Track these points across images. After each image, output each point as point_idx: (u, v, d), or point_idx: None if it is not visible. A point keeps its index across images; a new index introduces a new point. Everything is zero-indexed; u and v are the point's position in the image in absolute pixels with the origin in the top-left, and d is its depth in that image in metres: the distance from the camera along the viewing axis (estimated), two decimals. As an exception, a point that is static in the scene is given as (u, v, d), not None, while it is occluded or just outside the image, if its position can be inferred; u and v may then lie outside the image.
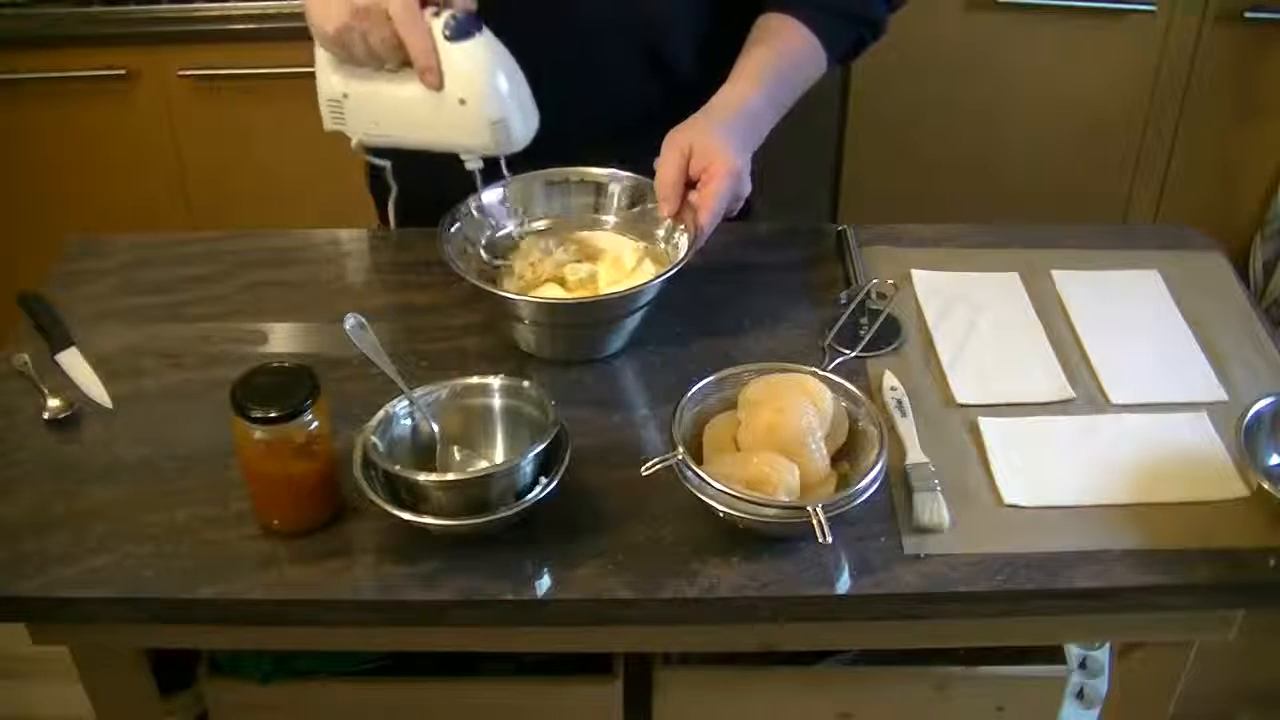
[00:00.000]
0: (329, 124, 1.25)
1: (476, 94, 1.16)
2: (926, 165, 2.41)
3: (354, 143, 1.25)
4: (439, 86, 1.15)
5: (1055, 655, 1.31)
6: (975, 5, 2.24)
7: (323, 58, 1.21)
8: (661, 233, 1.27)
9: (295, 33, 2.12)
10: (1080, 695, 1.49)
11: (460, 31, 1.13)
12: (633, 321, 1.22)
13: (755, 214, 1.50)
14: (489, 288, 1.19)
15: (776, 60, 1.31)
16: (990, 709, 1.31)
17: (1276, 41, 2.25)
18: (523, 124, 1.20)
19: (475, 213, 1.27)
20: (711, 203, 1.19)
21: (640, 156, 1.25)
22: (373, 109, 1.21)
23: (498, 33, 1.17)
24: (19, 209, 2.32)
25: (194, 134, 2.27)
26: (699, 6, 1.36)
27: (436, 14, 1.13)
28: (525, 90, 1.20)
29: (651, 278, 1.19)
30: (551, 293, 1.23)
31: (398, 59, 1.15)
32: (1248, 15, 2.21)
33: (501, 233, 1.29)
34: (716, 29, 1.36)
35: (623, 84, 1.36)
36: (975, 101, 2.34)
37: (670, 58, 1.36)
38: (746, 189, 1.22)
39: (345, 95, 1.21)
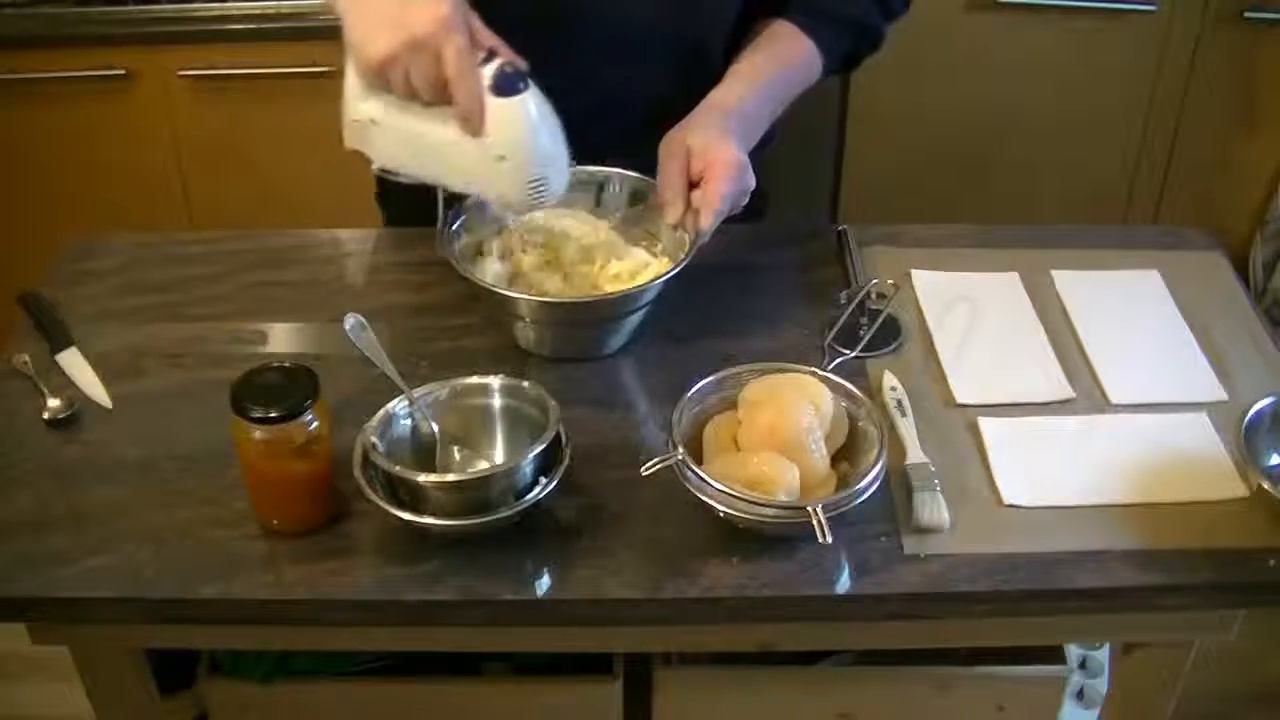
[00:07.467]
0: (350, 143, 1.20)
1: (516, 153, 1.11)
2: (926, 165, 2.41)
3: (375, 166, 1.20)
4: (478, 134, 1.10)
5: (1055, 655, 1.32)
6: (975, 5, 2.24)
7: (354, 78, 1.15)
8: (663, 230, 1.27)
9: (295, 33, 2.16)
10: (1080, 695, 1.49)
11: (506, 86, 1.08)
12: (634, 320, 1.22)
13: (767, 215, 1.50)
14: (489, 285, 1.19)
15: (771, 65, 1.31)
16: (990, 709, 1.31)
17: (1276, 41, 2.25)
18: (558, 182, 1.16)
19: (475, 210, 1.27)
20: (715, 200, 1.18)
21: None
22: (402, 143, 1.16)
23: (540, 42, 1.12)
24: (19, 209, 2.32)
25: (194, 134, 2.27)
26: (737, 14, 1.35)
27: (484, 62, 1.08)
28: (563, 147, 1.15)
29: (654, 277, 1.19)
30: (553, 280, 1.23)
31: (435, 99, 1.09)
32: (1248, 15, 2.21)
33: (503, 230, 1.28)
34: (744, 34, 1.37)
35: (660, 87, 1.35)
36: (975, 101, 2.34)
37: (711, 64, 1.35)
38: (751, 182, 1.22)
39: (374, 121, 1.16)
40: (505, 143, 1.10)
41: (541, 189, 1.14)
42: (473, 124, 1.09)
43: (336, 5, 1.10)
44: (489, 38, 1.10)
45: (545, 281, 1.24)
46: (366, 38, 1.07)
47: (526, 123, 1.10)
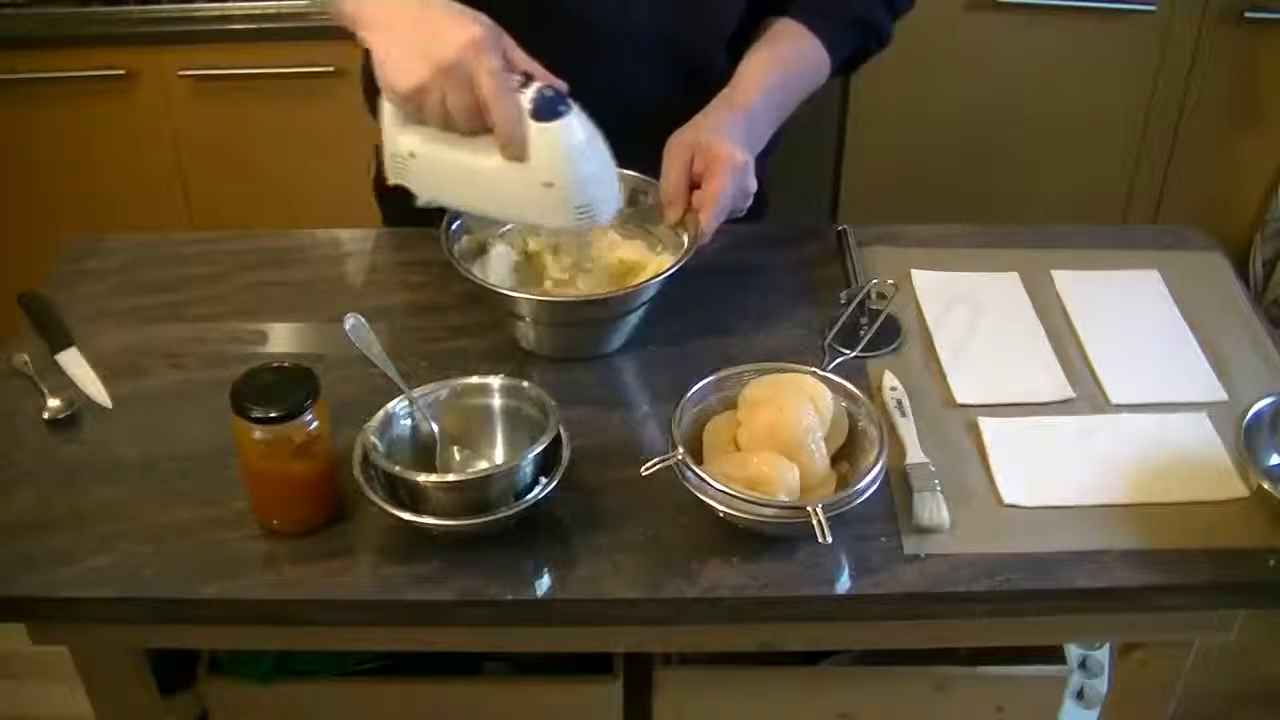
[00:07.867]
0: (392, 178, 1.17)
1: (564, 179, 1.07)
2: (926, 165, 2.41)
3: (420, 201, 1.16)
4: (521, 158, 1.06)
5: (1055, 655, 1.31)
6: (975, 5, 2.24)
7: (389, 111, 1.12)
8: (662, 229, 1.27)
9: (295, 33, 2.16)
10: (1080, 695, 1.48)
11: (548, 110, 1.04)
12: (633, 319, 1.22)
13: (768, 216, 1.50)
14: (490, 285, 1.19)
15: (778, 64, 1.31)
16: (990, 709, 1.31)
17: (1276, 41, 2.25)
18: (609, 203, 1.12)
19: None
20: (714, 199, 1.18)
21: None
22: (443, 174, 1.13)
23: (542, 45, 1.10)
24: (19, 209, 2.32)
25: (194, 134, 2.27)
26: (741, 20, 1.35)
27: (523, 86, 1.05)
28: (612, 167, 1.11)
29: (651, 276, 1.19)
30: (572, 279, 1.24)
31: (472, 127, 1.06)
32: (1248, 15, 2.21)
33: (504, 230, 1.28)
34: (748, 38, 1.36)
35: (663, 89, 1.34)
36: (975, 101, 2.34)
37: (714, 66, 1.34)
38: (752, 185, 1.22)
39: (413, 155, 1.12)
40: (551, 168, 1.07)
41: (590, 215, 1.11)
42: (514, 149, 1.06)
43: (362, 31, 1.07)
44: (524, 61, 1.07)
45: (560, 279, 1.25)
46: (396, 67, 1.04)
47: (572, 146, 1.07)
